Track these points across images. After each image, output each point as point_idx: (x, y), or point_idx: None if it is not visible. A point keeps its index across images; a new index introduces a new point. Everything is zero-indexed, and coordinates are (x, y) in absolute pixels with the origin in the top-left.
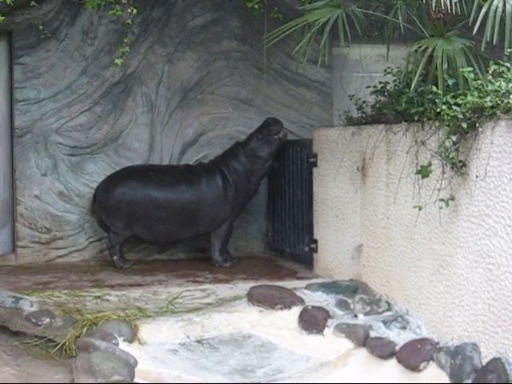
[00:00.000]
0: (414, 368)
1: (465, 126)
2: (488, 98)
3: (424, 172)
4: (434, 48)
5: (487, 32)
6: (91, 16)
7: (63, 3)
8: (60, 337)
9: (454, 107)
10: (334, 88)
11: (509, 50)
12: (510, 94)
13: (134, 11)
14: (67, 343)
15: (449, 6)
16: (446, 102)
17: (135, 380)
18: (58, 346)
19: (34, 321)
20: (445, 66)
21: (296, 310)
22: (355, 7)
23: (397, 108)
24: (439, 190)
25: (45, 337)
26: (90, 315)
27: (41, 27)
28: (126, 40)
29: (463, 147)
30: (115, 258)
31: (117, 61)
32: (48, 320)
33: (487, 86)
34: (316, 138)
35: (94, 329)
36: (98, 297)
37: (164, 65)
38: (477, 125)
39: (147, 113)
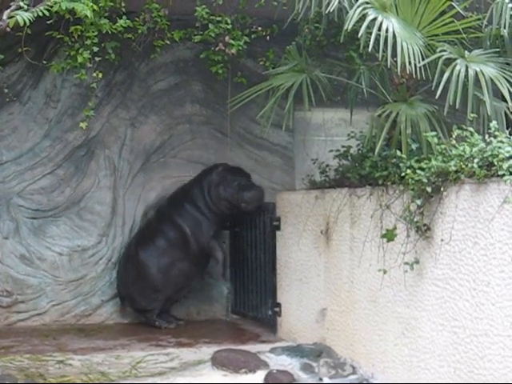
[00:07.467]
0: None
1: (429, 189)
2: (452, 163)
3: (389, 236)
4: (398, 113)
5: (450, 96)
6: (54, 79)
7: (27, 66)
8: None
9: (419, 171)
10: (297, 151)
11: (472, 115)
12: (473, 158)
13: (100, 75)
14: None
15: (412, 71)
16: (411, 166)
17: None
18: None
19: None
20: (408, 131)
21: (261, 374)
22: (319, 72)
23: (360, 172)
24: (404, 253)
25: None
26: (52, 379)
27: (5, 90)
28: (90, 104)
29: (428, 211)
30: (157, 323)
31: (81, 124)
32: None
33: (451, 150)
34: (279, 202)
35: None
36: (61, 361)
37: (127, 128)
38: (441, 189)
39: (110, 176)
